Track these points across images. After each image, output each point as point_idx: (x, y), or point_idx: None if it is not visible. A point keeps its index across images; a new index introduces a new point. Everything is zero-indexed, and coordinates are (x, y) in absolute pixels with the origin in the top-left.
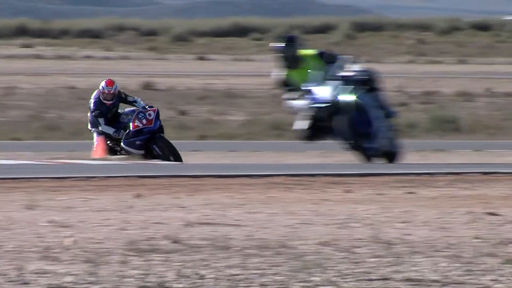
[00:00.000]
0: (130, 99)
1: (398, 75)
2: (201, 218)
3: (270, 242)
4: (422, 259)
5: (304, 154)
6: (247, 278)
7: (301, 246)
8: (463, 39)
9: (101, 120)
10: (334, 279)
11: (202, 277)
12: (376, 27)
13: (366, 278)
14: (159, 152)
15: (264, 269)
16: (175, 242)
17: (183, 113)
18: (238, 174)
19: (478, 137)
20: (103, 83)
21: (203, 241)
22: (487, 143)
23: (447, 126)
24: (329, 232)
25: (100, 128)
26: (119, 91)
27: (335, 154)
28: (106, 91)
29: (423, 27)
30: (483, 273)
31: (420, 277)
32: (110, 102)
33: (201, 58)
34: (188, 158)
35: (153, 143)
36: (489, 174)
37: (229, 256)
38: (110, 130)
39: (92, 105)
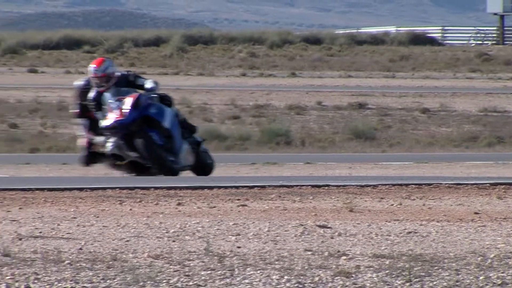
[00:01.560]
0: (139, 81)
1: (230, 88)
2: (32, 231)
3: (102, 255)
4: (254, 272)
5: None
6: None
7: (133, 259)
8: (294, 53)
9: (99, 115)
10: None
11: None
12: (208, 40)
13: None
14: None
15: (96, 282)
16: (6, 255)
17: (14, 126)
18: (69, 187)
19: (309, 150)
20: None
21: (35, 254)
22: (318, 156)
23: (279, 139)
24: (161, 245)
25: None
26: (124, 74)
27: None
28: (92, 74)
29: (255, 40)
30: (314, 286)
31: None
32: (103, 88)
33: (32, 71)
34: (20, 171)
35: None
36: (319, 187)
37: (60, 269)
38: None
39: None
